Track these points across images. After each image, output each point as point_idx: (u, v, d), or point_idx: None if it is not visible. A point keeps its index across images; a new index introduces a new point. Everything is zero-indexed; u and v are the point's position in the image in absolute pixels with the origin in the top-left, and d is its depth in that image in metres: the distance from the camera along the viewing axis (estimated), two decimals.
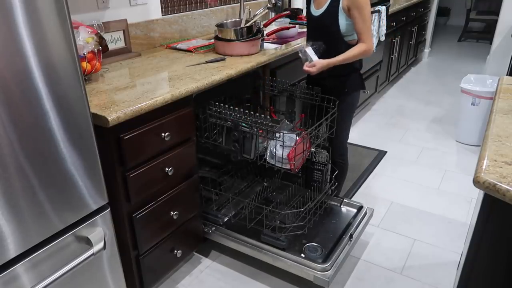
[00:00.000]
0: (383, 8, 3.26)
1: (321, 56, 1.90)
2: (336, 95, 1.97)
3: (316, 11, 1.93)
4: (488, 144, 1.12)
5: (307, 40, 2.03)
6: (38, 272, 1.18)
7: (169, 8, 2.35)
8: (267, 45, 2.35)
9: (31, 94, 1.06)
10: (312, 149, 1.99)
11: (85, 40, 1.62)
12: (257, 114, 1.71)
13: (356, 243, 2.00)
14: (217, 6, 2.66)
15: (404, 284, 1.91)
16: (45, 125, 1.11)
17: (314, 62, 1.86)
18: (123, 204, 1.51)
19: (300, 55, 1.91)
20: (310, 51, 1.88)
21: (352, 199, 2.50)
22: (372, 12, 3.16)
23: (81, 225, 1.28)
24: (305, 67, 1.88)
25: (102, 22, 1.94)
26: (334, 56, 1.87)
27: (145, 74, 1.78)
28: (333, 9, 1.84)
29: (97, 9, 1.97)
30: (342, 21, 1.84)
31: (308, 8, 2.01)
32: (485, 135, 1.19)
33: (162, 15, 2.32)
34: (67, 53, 1.12)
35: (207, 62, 1.96)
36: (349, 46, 1.88)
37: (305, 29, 2.29)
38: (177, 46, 2.22)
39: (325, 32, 1.90)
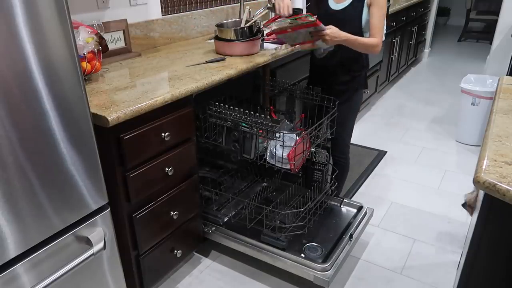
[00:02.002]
0: None
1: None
2: (344, 93, 1.99)
3: (337, 5, 1.91)
4: (488, 144, 1.12)
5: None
6: (38, 272, 1.18)
7: (169, 8, 2.35)
8: (267, 45, 2.34)
9: (31, 94, 1.06)
10: (312, 149, 1.99)
11: (85, 40, 1.62)
12: (257, 114, 1.71)
13: (356, 243, 2.00)
14: (217, 6, 2.66)
15: (404, 284, 1.91)
16: (45, 125, 1.11)
17: (331, 27, 1.77)
18: (123, 204, 1.51)
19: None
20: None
21: (352, 199, 2.50)
22: None
23: (81, 225, 1.28)
24: (325, 30, 1.75)
25: (102, 22, 1.93)
26: (348, 51, 1.87)
27: (145, 74, 1.78)
28: (358, 3, 1.85)
29: (97, 9, 1.97)
30: (365, 16, 1.86)
31: (318, 2, 1.98)
32: (485, 135, 1.19)
33: (162, 15, 2.32)
34: (67, 53, 1.12)
35: (207, 62, 1.96)
36: None
37: None
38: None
39: (345, 27, 1.83)
